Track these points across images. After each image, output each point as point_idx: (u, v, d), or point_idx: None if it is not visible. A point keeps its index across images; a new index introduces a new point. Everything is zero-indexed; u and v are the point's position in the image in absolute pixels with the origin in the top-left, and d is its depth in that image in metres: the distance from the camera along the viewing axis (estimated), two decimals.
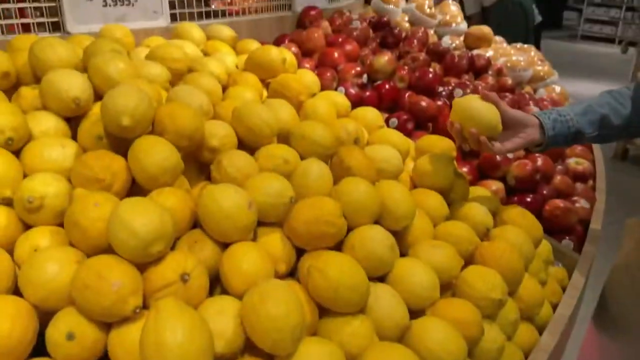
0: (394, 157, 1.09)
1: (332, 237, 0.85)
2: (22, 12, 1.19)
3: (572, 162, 1.55)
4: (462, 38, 2.29)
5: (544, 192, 1.35)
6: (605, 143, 1.20)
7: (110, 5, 1.28)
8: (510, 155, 1.36)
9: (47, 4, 1.19)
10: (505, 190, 1.34)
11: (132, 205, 0.71)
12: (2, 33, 1.16)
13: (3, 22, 1.15)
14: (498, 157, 1.35)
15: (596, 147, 1.77)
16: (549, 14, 10.53)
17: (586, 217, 1.35)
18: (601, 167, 1.63)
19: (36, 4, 1.18)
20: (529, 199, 1.31)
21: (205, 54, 1.39)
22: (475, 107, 1.01)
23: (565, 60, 7.81)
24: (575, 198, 1.39)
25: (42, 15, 1.20)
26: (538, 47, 3.94)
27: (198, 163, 0.99)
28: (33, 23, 1.19)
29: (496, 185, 1.33)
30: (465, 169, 1.36)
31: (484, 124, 1.00)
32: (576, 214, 1.30)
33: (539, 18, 3.95)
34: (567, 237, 1.28)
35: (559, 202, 1.31)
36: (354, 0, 2.64)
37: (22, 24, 1.19)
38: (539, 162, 1.38)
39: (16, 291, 0.71)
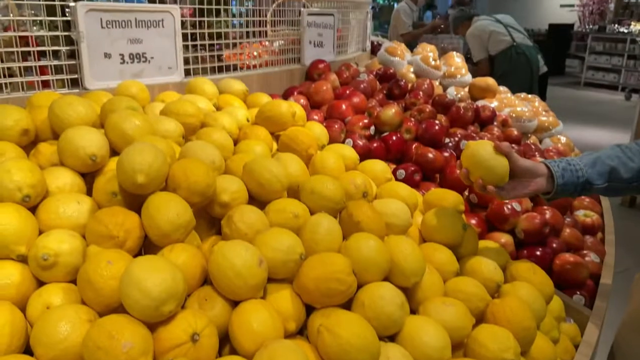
0: (402, 212, 1.10)
1: (342, 294, 0.85)
2: (42, 69, 1.23)
3: (580, 214, 1.55)
4: (467, 89, 2.34)
5: (554, 245, 1.34)
6: (615, 196, 1.21)
7: (127, 62, 1.33)
8: (518, 208, 1.36)
9: (67, 62, 1.24)
10: (514, 244, 1.34)
11: (144, 264, 0.72)
12: (22, 89, 1.20)
13: (24, 79, 1.19)
14: (506, 210, 1.35)
15: (604, 198, 1.77)
16: (552, 62, 10.75)
17: (596, 271, 1.34)
18: (610, 219, 1.62)
19: (57, 62, 1.22)
20: (538, 253, 1.30)
21: (218, 107, 1.43)
22: (485, 156, 1.03)
23: (569, 107, 7.91)
24: (585, 252, 1.38)
25: (61, 72, 1.24)
26: (544, 96, 4.00)
27: (209, 217, 1.01)
28: (52, 80, 1.24)
29: (505, 238, 1.33)
30: (473, 221, 1.36)
31: (491, 173, 1.02)
32: (587, 269, 1.29)
33: (544, 68, 4.04)
34: (578, 292, 1.26)
35: (569, 257, 1.30)
36: (361, 53, 2.72)
37: (42, 81, 1.23)
38: (548, 214, 1.38)
39: (28, 349, 0.71)
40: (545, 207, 1.42)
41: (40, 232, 0.83)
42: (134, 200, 0.90)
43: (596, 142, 5.90)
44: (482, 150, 1.04)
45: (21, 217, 0.81)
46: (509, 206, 1.36)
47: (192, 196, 0.90)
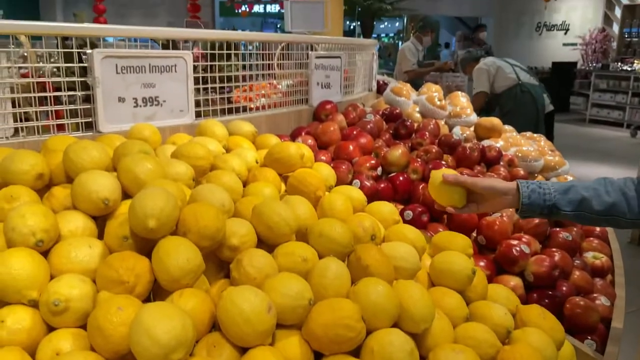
0: (411, 255, 1.10)
1: (351, 341, 0.84)
2: (57, 113, 1.27)
3: (589, 256, 1.54)
4: (472, 129, 2.37)
5: (563, 288, 1.33)
6: (585, 224, 1.21)
7: (140, 106, 1.37)
8: (527, 251, 1.36)
9: (82, 106, 1.27)
10: (523, 287, 1.33)
11: (154, 311, 0.72)
12: (38, 133, 1.23)
13: (40, 123, 1.22)
14: (515, 252, 1.34)
15: (612, 238, 1.76)
16: (556, 99, 10.85)
17: (607, 314, 1.32)
18: (619, 260, 1.61)
19: (72, 107, 1.26)
20: (548, 297, 1.29)
21: (227, 149, 1.45)
22: (439, 185, 1.13)
23: (575, 144, 7.93)
24: (595, 295, 1.37)
25: (76, 115, 1.28)
26: (551, 135, 4.04)
27: (217, 260, 1.01)
28: (67, 123, 1.27)
29: (514, 281, 1.33)
30: (482, 264, 1.35)
31: (446, 200, 1.12)
32: (597, 313, 1.27)
33: (550, 107, 4.09)
34: (589, 337, 1.25)
35: (579, 300, 1.29)
36: (367, 92, 2.77)
37: (57, 124, 1.27)
38: (557, 257, 1.38)
39: None
40: (554, 250, 1.41)
41: (52, 277, 0.84)
42: (145, 244, 0.91)
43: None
44: (437, 179, 1.13)
45: (34, 261, 0.82)
46: (518, 248, 1.36)
47: (202, 240, 0.91)
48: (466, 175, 1.15)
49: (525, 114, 4.02)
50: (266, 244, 1.06)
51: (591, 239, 1.64)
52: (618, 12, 11.34)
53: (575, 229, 1.62)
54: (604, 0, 11.57)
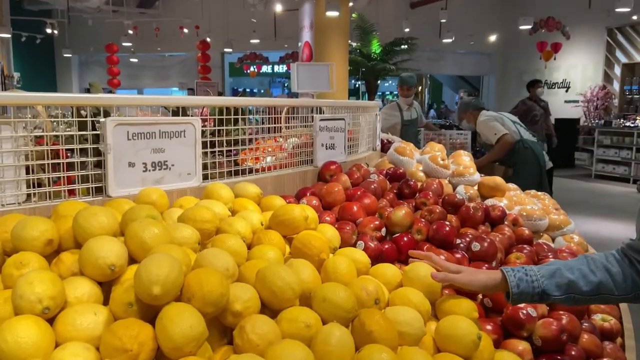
0: (415, 320, 1.09)
1: None
2: (69, 178, 1.31)
3: (598, 318, 1.52)
4: (476, 187, 2.39)
5: (572, 353, 1.30)
6: (574, 306, 1.29)
7: (149, 170, 1.41)
8: (533, 314, 1.34)
9: (93, 172, 1.31)
10: (532, 351, 1.30)
11: None
12: (49, 198, 1.27)
13: (52, 189, 1.26)
14: (521, 315, 1.33)
15: None
16: (561, 154, 10.99)
17: None
18: (629, 322, 1.58)
19: (84, 172, 1.30)
20: None
21: (233, 211, 1.48)
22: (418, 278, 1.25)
23: (581, 199, 7.92)
24: (605, 359, 1.34)
25: (87, 181, 1.32)
26: (550, 191, 4.07)
27: (221, 326, 1.01)
28: (78, 188, 1.31)
29: (522, 345, 1.30)
30: (489, 327, 1.33)
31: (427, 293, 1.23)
32: None
33: (549, 164, 4.14)
34: None
35: None
36: (371, 152, 2.83)
37: (68, 189, 1.30)
38: (564, 320, 1.36)
39: None
40: (561, 312, 1.40)
41: (57, 344, 0.85)
42: (150, 310, 0.92)
43: (609, 235, 5.83)
44: (418, 272, 1.28)
45: (40, 329, 0.83)
46: (524, 311, 1.34)
47: (206, 306, 0.92)
48: (454, 274, 1.22)
49: (529, 169, 4.06)
50: (270, 308, 1.06)
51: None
52: (617, 70, 11.62)
53: None
54: (603, 58, 11.91)
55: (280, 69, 18.28)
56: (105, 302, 0.97)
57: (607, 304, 1.11)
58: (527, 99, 7.35)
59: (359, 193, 1.90)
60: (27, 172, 1.25)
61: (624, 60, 11.47)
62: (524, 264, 1.61)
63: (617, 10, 8.95)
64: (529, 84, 7.57)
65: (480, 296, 1.48)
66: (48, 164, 1.25)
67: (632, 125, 9.90)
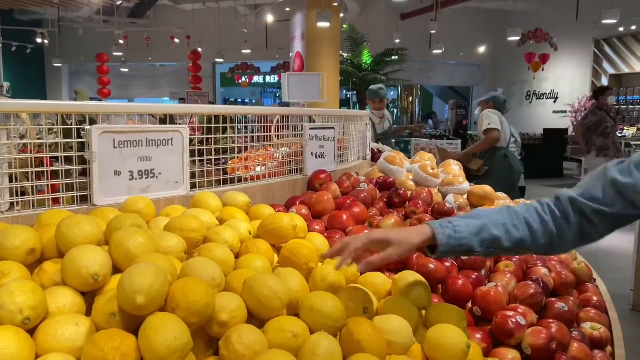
0: (404, 329, 1.08)
1: None
2: (53, 187, 1.29)
3: (587, 327, 1.51)
4: (465, 196, 2.39)
5: None
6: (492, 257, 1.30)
7: (136, 179, 1.39)
8: (522, 322, 1.34)
9: (78, 180, 1.30)
10: (521, 359, 1.30)
11: None
12: (33, 207, 1.25)
13: (35, 197, 1.24)
14: (510, 324, 1.32)
15: (610, 308, 1.74)
16: (549, 164, 11.09)
17: None
18: (618, 330, 1.58)
19: (69, 181, 1.28)
20: None
21: (221, 220, 1.46)
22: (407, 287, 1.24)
23: None
24: None
25: (72, 189, 1.30)
26: None
27: (206, 336, 1.00)
28: (63, 197, 1.29)
29: (512, 354, 1.29)
30: (478, 336, 1.33)
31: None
32: None
33: (522, 183, 4.28)
34: None
35: None
36: (361, 161, 2.83)
37: (53, 197, 1.28)
38: (554, 328, 1.35)
39: None
40: (550, 321, 1.39)
41: (37, 355, 0.83)
42: (134, 320, 0.90)
43: (599, 245, 5.85)
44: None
45: (19, 340, 0.81)
46: (514, 320, 1.34)
47: (191, 316, 0.90)
48: (383, 255, 1.11)
49: (500, 178, 4.13)
50: (257, 318, 1.05)
51: (588, 309, 1.62)
52: (605, 80, 11.78)
53: (571, 298, 1.60)
54: (590, 69, 12.07)
55: (272, 79, 18.33)
56: (89, 312, 0.95)
57: (519, 255, 1.15)
58: (597, 108, 6.42)
59: (348, 202, 1.89)
60: (11, 181, 1.23)
61: (611, 71, 11.63)
62: (513, 272, 1.61)
63: (604, 22, 9.10)
64: (597, 91, 6.67)
65: (469, 305, 1.47)
66: (32, 172, 1.23)
67: (619, 135, 10.01)
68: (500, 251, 1.12)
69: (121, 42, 13.40)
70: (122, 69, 16.17)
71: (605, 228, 1.09)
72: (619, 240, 6.00)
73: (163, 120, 1.62)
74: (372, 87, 5.17)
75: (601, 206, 1.05)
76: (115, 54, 13.74)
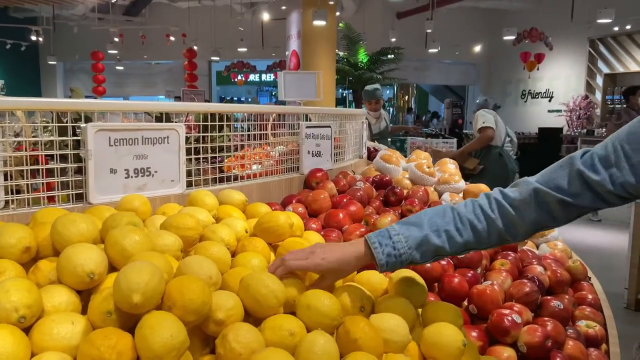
0: (401, 327, 1.08)
1: None
2: (48, 184, 1.28)
3: (582, 325, 1.52)
4: (461, 195, 2.40)
5: (557, 359, 1.30)
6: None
7: (132, 177, 1.39)
8: (518, 320, 1.34)
9: (74, 178, 1.29)
10: (517, 358, 1.30)
11: None
12: (28, 205, 1.24)
13: (30, 195, 1.24)
14: (506, 322, 1.33)
15: (605, 306, 1.74)
16: (545, 163, 11.09)
17: None
18: (613, 328, 1.59)
19: (64, 179, 1.28)
20: None
21: (217, 218, 1.46)
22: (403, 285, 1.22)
23: None
24: None
25: (67, 187, 1.29)
26: None
27: (203, 335, 0.99)
28: (58, 195, 1.28)
29: (507, 352, 1.30)
30: (474, 334, 1.33)
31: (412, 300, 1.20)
32: None
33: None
34: None
35: None
36: (358, 160, 2.83)
37: (48, 196, 1.28)
38: (549, 326, 1.36)
39: None
40: (546, 319, 1.40)
41: (33, 354, 0.82)
42: (130, 319, 0.89)
43: (594, 243, 5.90)
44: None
45: (15, 339, 0.80)
46: (509, 318, 1.34)
47: (187, 314, 0.90)
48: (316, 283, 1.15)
49: (494, 177, 4.15)
50: (254, 316, 1.05)
51: (583, 307, 1.63)
52: (599, 80, 11.83)
53: (566, 296, 1.61)
54: (585, 69, 12.11)
55: (268, 77, 18.31)
56: (84, 311, 0.95)
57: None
58: (629, 108, 6.27)
59: (345, 200, 1.90)
60: (6, 179, 1.22)
61: (605, 70, 11.68)
62: (509, 271, 1.61)
63: (598, 21, 9.14)
64: (627, 90, 6.50)
65: (465, 303, 1.48)
66: (27, 170, 1.22)
67: None
68: (444, 256, 1.13)
69: (116, 39, 13.36)
70: (117, 67, 16.11)
71: (567, 218, 1.06)
72: (612, 239, 6.04)
73: (159, 119, 1.62)
74: (368, 87, 5.14)
75: (566, 197, 1.02)
76: (110, 51, 13.69)
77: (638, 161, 0.95)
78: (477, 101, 4.82)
